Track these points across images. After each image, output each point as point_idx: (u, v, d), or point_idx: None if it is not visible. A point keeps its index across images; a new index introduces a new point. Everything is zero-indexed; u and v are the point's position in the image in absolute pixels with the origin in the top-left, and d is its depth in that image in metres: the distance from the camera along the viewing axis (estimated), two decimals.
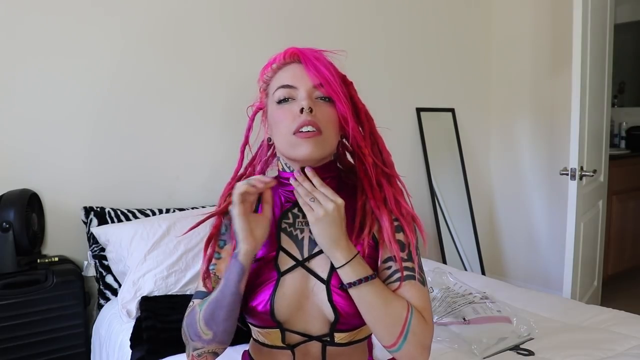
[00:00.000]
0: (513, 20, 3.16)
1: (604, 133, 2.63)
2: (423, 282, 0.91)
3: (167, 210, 2.09)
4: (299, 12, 2.53)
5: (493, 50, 3.26)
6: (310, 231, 0.92)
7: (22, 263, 1.82)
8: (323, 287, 0.89)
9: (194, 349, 0.89)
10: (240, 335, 1.11)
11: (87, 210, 1.98)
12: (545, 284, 3.02)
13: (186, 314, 0.93)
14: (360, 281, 0.85)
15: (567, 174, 2.19)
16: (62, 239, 2.01)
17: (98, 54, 2.04)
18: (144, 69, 2.14)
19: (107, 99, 2.08)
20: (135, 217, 2.02)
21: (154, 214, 2.06)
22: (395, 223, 0.91)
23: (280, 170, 0.96)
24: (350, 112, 0.89)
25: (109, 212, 2.00)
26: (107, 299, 1.91)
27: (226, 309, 0.85)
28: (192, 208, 2.16)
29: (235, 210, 0.85)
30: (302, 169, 0.91)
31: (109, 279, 1.92)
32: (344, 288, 0.87)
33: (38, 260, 1.88)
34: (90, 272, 1.94)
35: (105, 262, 1.92)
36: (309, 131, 0.85)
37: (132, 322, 1.64)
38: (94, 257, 1.94)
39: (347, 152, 1.00)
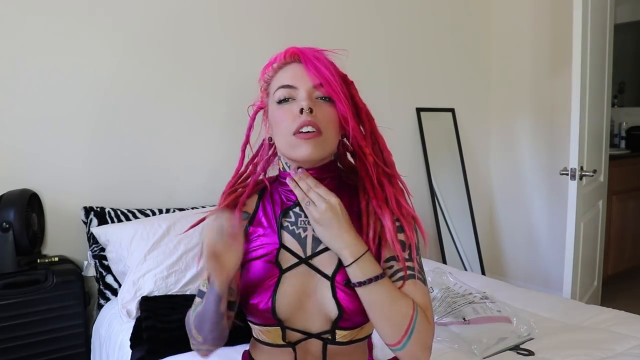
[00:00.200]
0: (513, 21, 3.16)
1: (604, 133, 2.63)
2: (424, 281, 0.92)
3: (167, 210, 2.09)
4: (299, 12, 2.53)
5: (493, 50, 3.26)
6: (313, 230, 0.92)
7: (22, 263, 1.82)
8: (327, 283, 0.89)
9: (192, 344, 0.95)
10: (240, 335, 1.12)
11: (87, 210, 1.98)
12: (545, 284, 3.02)
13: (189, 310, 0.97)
14: (370, 280, 0.85)
15: (567, 174, 2.19)
16: (62, 239, 2.01)
17: (98, 54, 2.04)
18: (143, 69, 2.14)
19: (107, 99, 2.08)
20: (135, 217, 2.02)
21: (154, 214, 2.06)
22: (397, 223, 0.91)
23: (281, 169, 0.97)
24: (350, 112, 0.89)
25: (109, 212, 2.00)
26: (107, 299, 1.91)
27: (210, 322, 0.88)
28: (192, 208, 2.16)
29: (204, 259, 0.80)
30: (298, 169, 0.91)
31: (109, 279, 1.92)
32: (350, 285, 0.87)
33: (38, 260, 1.88)
34: (90, 272, 1.94)
35: (105, 262, 1.92)
36: (308, 132, 0.86)
37: (132, 322, 1.64)
38: (94, 257, 1.94)
39: (347, 152, 1.00)
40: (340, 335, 0.90)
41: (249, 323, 0.96)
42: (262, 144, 1.01)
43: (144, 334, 1.52)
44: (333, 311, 0.88)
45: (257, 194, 0.99)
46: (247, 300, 0.90)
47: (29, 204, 1.83)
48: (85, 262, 1.97)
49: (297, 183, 0.90)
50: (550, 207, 3.05)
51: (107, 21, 2.05)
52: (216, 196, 1.00)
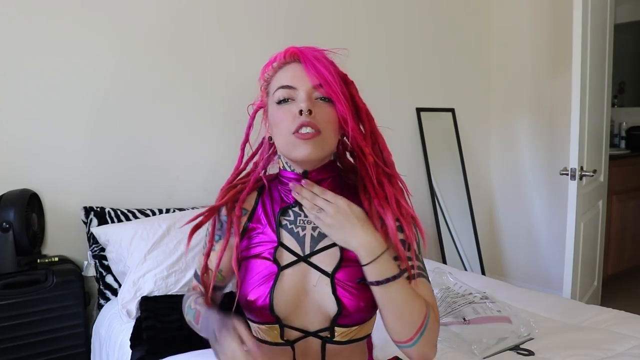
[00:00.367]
0: (513, 21, 3.16)
1: (604, 133, 2.63)
2: (429, 279, 0.94)
3: (167, 210, 2.09)
4: (298, 12, 2.53)
5: (493, 50, 3.26)
6: (312, 229, 0.93)
7: (22, 263, 1.82)
8: (327, 280, 0.89)
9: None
10: None
11: (87, 210, 1.98)
12: (545, 284, 3.02)
13: (185, 297, 1.02)
14: (387, 280, 0.85)
15: (567, 174, 2.19)
16: (62, 239, 2.01)
17: (98, 54, 2.04)
18: (143, 69, 2.14)
19: (107, 99, 2.08)
20: (135, 217, 2.02)
21: (154, 214, 2.06)
22: (396, 223, 0.92)
23: (281, 168, 0.97)
24: (349, 112, 0.89)
25: (109, 212, 2.00)
26: (107, 299, 1.91)
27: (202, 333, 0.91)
28: (192, 208, 2.16)
29: None
30: (304, 174, 0.92)
31: (109, 279, 1.92)
32: (364, 283, 0.88)
33: (38, 260, 1.88)
34: (90, 272, 1.94)
35: (105, 262, 1.92)
36: (308, 132, 0.86)
37: (132, 322, 1.64)
38: (94, 257, 1.94)
39: (346, 151, 1.00)
40: (339, 333, 0.90)
41: (248, 321, 0.96)
42: (261, 142, 1.02)
43: (144, 334, 1.52)
44: (332, 308, 0.88)
45: (257, 191, 1.00)
46: (246, 297, 0.91)
47: (29, 204, 1.83)
48: (85, 262, 1.97)
49: (302, 189, 0.91)
50: (550, 207, 3.05)
51: (106, 22, 2.05)
52: (216, 196, 1.01)
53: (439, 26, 3.03)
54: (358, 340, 0.94)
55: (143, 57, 2.14)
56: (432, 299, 0.91)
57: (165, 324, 1.55)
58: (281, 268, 0.90)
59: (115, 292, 1.90)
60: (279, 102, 0.91)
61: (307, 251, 0.92)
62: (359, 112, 0.94)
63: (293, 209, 0.95)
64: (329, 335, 0.91)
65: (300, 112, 0.86)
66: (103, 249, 1.91)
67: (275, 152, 0.99)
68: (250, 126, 1.01)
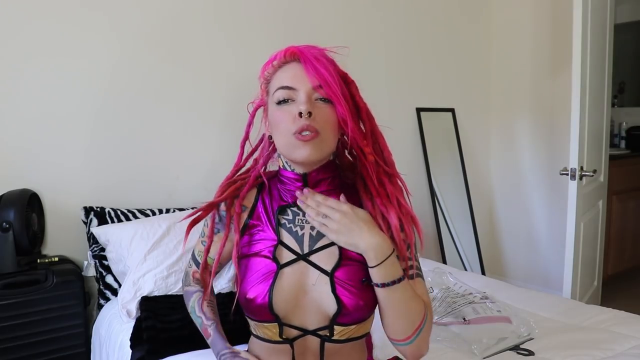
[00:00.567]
0: (513, 21, 3.16)
1: (604, 133, 2.63)
2: (424, 278, 0.96)
3: (167, 210, 2.09)
4: (297, 12, 2.53)
5: (493, 50, 3.26)
6: (311, 228, 0.93)
7: (22, 263, 1.82)
8: (326, 279, 0.89)
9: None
10: (240, 335, 1.12)
11: (87, 210, 1.98)
12: (545, 284, 3.02)
13: (187, 292, 1.06)
14: (393, 282, 0.87)
15: (567, 174, 2.19)
16: (62, 239, 2.01)
17: (97, 54, 2.04)
18: (143, 69, 2.14)
19: (107, 99, 2.08)
20: (135, 217, 2.02)
21: (154, 214, 2.06)
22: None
23: (281, 167, 0.97)
24: (349, 113, 0.89)
25: (109, 212, 2.00)
26: (107, 299, 1.91)
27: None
28: (192, 208, 2.15)
29: None
30: (304, 175, 0.93)
31: (109, 279, 1.92)
32: (367, 283, 0.89)
33: (38, 260, 1.88)
34: (90, 272, 1.94)
35: (105, 262, 1.92)
36: (307, 134, 0.86)
37: (132, 322, 1.64)
38: (94, 257, 1.94)
39: (346, 150, 1.00)
40: (338, 331, 0.91)
41: (247, 319, 0.96)
42: (261, 139, 1.02)
43: (144, 334, 1.52)
44: (331, 307, 0.88)
45: (256, 188, 1.00)
46: (245, 295, 0.91)
47: (29, 204, 1.83)
48: (85, 262, 1.97)
49: (306, 198, 0.91)
50: (550, 207, 3.05)
51: (106, 22, 2.05)
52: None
53: (439, 26, 3.03)
54: (356, 339, 0.94)
55: (143, 57, 2.14)
56: (428, 298, 0.94)
57: (165, 324, 1.55)
58: (280, 266, 0.90)
59: (115, 292, 1.90)
60: (279, 103, 0.91)
61: (306, 250, 0.92)
62: (359, 111, 0.94)
63: (291, 207, 0.95)
64: (327, 334, 0.91)
65: (300, 114, 0.86)
66: (103, 249, 1.91)
67: (275, 150, 0.99)
68: (250, 124, 1.01)
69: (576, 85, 2.13)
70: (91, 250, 1.95)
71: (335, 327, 0.90)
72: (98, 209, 1.99)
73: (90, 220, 1.96)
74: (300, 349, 0.93)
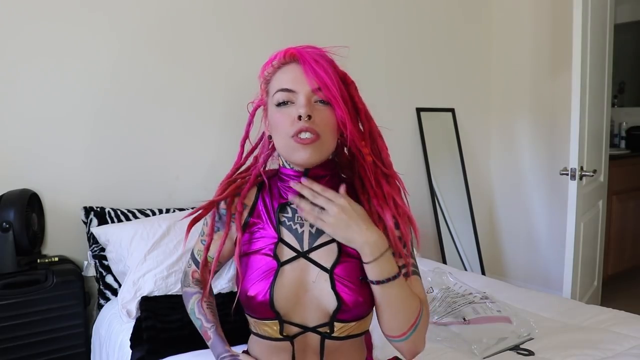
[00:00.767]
0: (513, 21, 3.16)
1: (604, 133, 2.63)
2: (420, 275, 0.97)
3: (167, 210, 2.09)
4: (296, 12, 2.53)
5: (493, 50, 3.26)
6: (310, 226, 0.94)
7: (22, 263, 1.82)
8: (325, 276, 0.90)
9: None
10: (240, 335, 1.12)
11: (87, 210, 1.98)
12: (545, 284, 3.02)
13: (186, 293, 1.07)
14: (388, 280, 0.87)
15: (567, 174, 2.19)
16: (62, 239, 2.01)
17: (97, 54, 2.04)
18: (142, 69, 2.14)
19: (107, 99, 2.08)
20: (135, 217, 2.02)
21: (154, 214, 2.06)
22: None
23: (281, 165, 0.98)
24: (348, 115, 0.90)
25: (109, 212, 2.00)
26: (107, 299, 1.91)
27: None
28: (192, 208, 2.15)
29: None
30: (305, 172, 0.93)
31: (109, 279, 1.92)
32: (364, 281, 0.89)
33: (38, 260, 1.88)
34: (90, 272, 1.94)
35: (105, 262, 1.92)
36: (307, 137, 0.87)
37: (132, 322, 1.64)
38: (94, 257, 1.94)
39: (344, 147, 1.00)
40: (338, 328, 0.91)
41: (248, 317, 0.97)
42: (261, 137, 1.02)
43: (144, 334, 1.52)
44: (332, 303, 0.89)
45: (256, 187, 1.01)
46: (246, 293, 0.91)
47: (29, 204, 1.83)
48: (85, 262, 1.97)
49: (302, 187, 0.91)
50: (550, 207, 3.05)
51: (105, 22, 2.05)
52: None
53: (439, 26, 3.03)
54: (356, 336, 0.95)
55: (142, 57, 2.14)
56: (424, 295, 0.94)
57: (165, 324, 1.55)
58: (281, 264, 0.91)
59: (115, 292, 1.90)
60: (278, 105, 0.91)
61: (306, 247, 0.93)
62: (358, 113, 0.94)
63: (291, 205, 0.96)
64: (328, 331, 0.91)
65: (300, 117, 0.87)
66: (103, 249, 1.91)
67: (274, 148, 1.00)
68: (250, 123, 1.02)
69: (576, 85, 2.13)
70: (91, 250, 1.95)
71: (335, 323, 0.91)
72: (98, 209, 2.00)
73: (90, 220, 1.96)
74: (301, 346, 0.93)
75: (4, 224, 1.75)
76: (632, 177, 3.33)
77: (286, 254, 0.92)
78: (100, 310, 1.89)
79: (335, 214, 0.87)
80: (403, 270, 0.91)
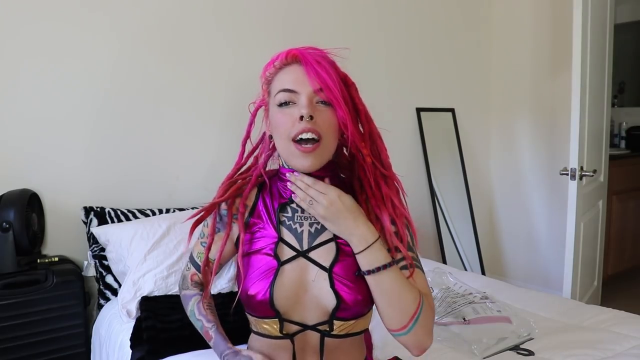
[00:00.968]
0: (513, 21, 3.16)
1: (604, 133, 2.63)
2: (423, 270, 0.97)
3: (167, 210, 2.09)
4: (297, 12, 2.53)
5: (493, 50, 3.26)
6: (309, 225, 0.94)
7: (22, 263, 1.82)
8: (325, 275, 0.90)
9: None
10: (240, 335, 1.12)
11: (87, 210, 1.98)
12: (545, 284, 3.02)
13: (184, 295, 1.06)
14: (378, 269, 0.88)
15: (567, 174, 2.19)
16: (62, 239, 2.01)
17: (97, 54, 2.04)
18: (143, 69, 2.14)
19: (107, 99, 2.08)
20: (135, 217, 2.02)
21: (154, 214, 2.06)
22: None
23: (281, 166, 0.98)
24: (349, 116, 0.90)
25: (109, 212, 2.00)
26: (107, 299, 1.91)
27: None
28: (192, 208, 2.15)
29: None
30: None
31: (109, 279, 1.92)
32: (360, 275, 0.90)
33: (38, 260, 1.88)
34: (90, 272, 1.94)
35: (105, 262, 1.92)
36: (308, 139, 0.87)
37: (132, 322, 1.64)
38: (94, 257, 1.94)
39: (344, 147, 1.01)
40: (337, 326, 0.92)
41: (248, 315, 0.97)
42: (262, 137, 1.03)
43: (144, 334, 1.52)
44: (331, 302, 0.90)
45: (257, 187, 1.01)
46: (246, 292, 0.92)
47: (29, 204, 1.83)
48: (85, 262, 1.97)
49: (295, 179, 0.92)
50: (550, 207, 3.05)
51: (105, 22, 2.05)
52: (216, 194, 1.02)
53: (439, 26, 3.03)
54: (355, 334, 0.95)
55: (142, 57, 2.14)
56: (427, 289, 0.94)
57: (165, 324, 1.55)
58: (281, 263, 0.91)
59: (115, 292, 1.90)
60: (280, 105, 0.91)
61: (305, 246, 0.93)
62: (358, 114, 0.95)
63: (291, 205, 0.96)
64: (327, 329, 0.92)
65: (301, 117, 0.87)
66: (103, 249, 1.91)
67: (275, 148, 1.00)
68: (251, 123, 1.02)
69: (576, 85, 2.13)
70: (91, 250, 1.95)
71: (335, 321, 0.91)
72: (98, 209, 2.00)
73: (90, 220, 1.96)
74: (301, 344, 0.94)
75: (4, 224, 1.75)
76: (632, 177, 3.33)
77: (286, 253, 0.93)
78: (100, 310, 1.89)
79: (325, 206, 0.89)
80: (401, 263, 0.91)
